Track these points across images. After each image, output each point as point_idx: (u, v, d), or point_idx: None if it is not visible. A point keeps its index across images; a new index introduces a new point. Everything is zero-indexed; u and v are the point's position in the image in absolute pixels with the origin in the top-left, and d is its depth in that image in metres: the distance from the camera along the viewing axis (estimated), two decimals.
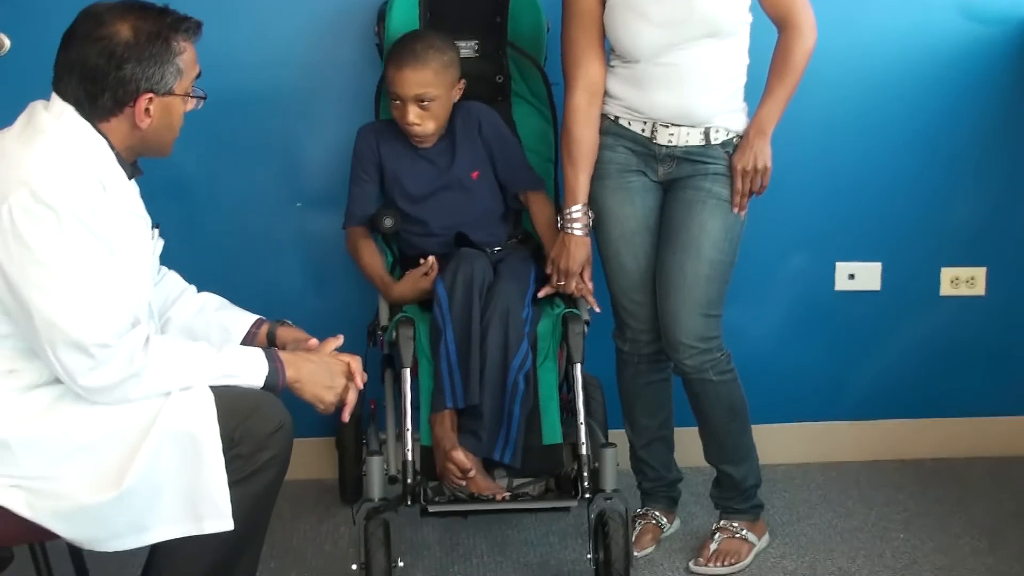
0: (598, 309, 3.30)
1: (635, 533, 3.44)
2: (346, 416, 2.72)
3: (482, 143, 3.37)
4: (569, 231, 3.24)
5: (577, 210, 3.23)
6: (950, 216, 4.01)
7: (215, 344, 2.63)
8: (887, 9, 3.84)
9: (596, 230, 3.29)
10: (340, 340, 2.80)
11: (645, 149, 3.20)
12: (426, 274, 3.21)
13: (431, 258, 3.22)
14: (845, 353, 4.05)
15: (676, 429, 3.50)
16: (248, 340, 2.82)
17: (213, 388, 2.47)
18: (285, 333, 2.86)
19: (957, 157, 3.97)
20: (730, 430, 3.33)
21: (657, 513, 3.50)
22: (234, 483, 2.46)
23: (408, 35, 3.31)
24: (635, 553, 3.31)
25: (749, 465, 3.39)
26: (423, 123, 3.25)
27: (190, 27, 2.52)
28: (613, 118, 3.22)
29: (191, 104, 2.58)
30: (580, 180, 3.22)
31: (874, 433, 4.09)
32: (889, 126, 3.93)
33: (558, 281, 3.26)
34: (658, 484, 3.51)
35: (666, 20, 3.07)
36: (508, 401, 3.07)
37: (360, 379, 2.72)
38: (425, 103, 3.23)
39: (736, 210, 3.16)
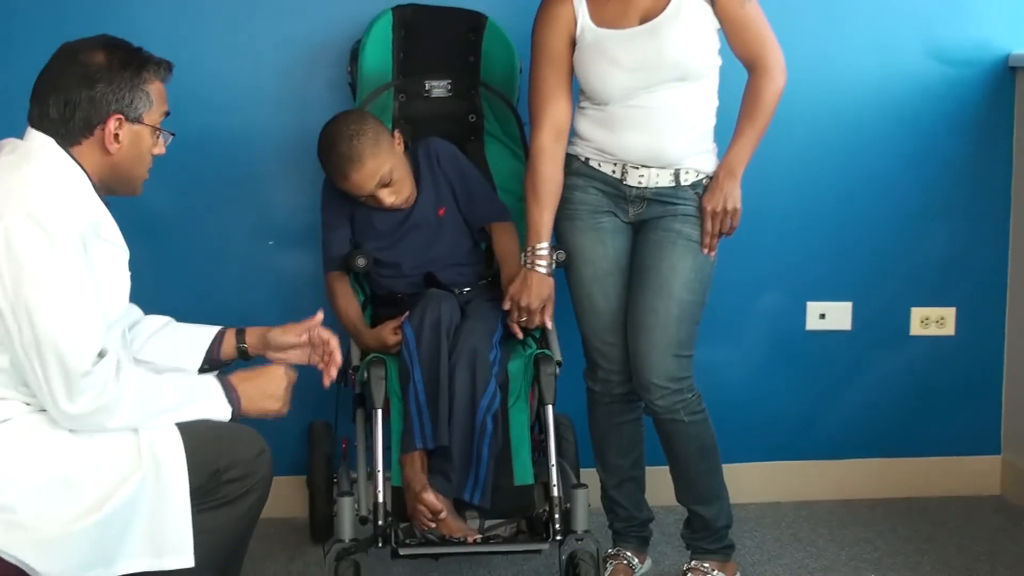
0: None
1: (607, 573, 3.42)
2: (326, 381, 2.84)
3: (444, 178, 3.38)
4: (531, 268, 3.23)
5: (542, 248, 3.22)
6: (920, 256, 4.04)
7: (184, 350, 2.80)
8: (858, 51, 3.88)
9: (567, 271, 3.29)
10: (320, 316, 2.89)
11: (615, 190, 3.21)
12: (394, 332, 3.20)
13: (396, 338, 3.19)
14: (816, 392, 4.07)
15: (648, 468, 3.49)
16: (216, 344, 2.87)
17: (191, 424, 2.53)
18: (253, 331, 2.92)
19: (927, 197, 4.01)
20: (701, 470, 3.33)
21: (629, 553, 3.48)
22: (220, 506, 2.54)
23: (327, 143, 3.25)
24: None
25: (720, 505, 3.38)
26: (399, 195, 3.27)
27: (161, 65, 2.59)
28: (583, 159, 3.24)
29: (160, 144, 2.62)
30: (544, 218, 3.22)
31: (845, 472, 4.10)
32: (859, 166, 3.96)
33: (519, 318, 3.25)
34: (629, 524, 3.49)
35: (636, 64, 3.09)
36: (476, 442, 3.06)
37: (332, 340, 2.85)
38: (388, 182, 3.24)
39: (706, 251, 3.17)
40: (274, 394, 2.71)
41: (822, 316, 4.01)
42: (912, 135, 3.96)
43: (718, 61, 3.17)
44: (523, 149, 3.53)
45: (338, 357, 2.86)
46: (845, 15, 3.88)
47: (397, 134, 3.34)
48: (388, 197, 3.25)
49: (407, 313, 3.17)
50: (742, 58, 3.17)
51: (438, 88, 3.51)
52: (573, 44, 3.17)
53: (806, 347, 4.03)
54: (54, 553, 2.41)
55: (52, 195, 2.41)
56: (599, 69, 3.13)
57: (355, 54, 3.50)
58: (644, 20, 3.11)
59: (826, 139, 3.89)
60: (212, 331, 2.89)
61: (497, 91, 3.53)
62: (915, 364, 4.09)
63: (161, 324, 2.87)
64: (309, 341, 2.88)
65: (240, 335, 2.89)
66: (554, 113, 3.20)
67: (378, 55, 3.47)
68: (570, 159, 3.25)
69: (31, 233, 2.35)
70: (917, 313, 4.06)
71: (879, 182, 3.97)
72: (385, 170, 3.22)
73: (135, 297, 2.81)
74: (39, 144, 2.50)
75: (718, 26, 3.14)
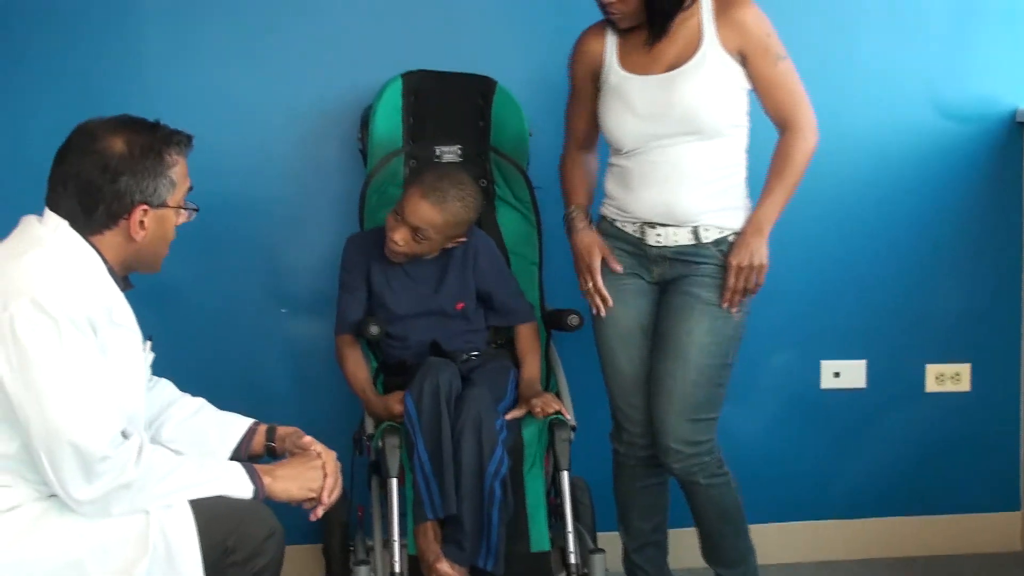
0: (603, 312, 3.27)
1: None
2: (318, 513, 2.68)
3: (475, 277, 3.38)
4: (569, 232, 3.30)
5: (572, 210, 3.30)
6: (934, 313, 4.02)
7: (213, 441, 2.73)
8: (865, 107, 3.88)
9: (594, 330, 3.30)
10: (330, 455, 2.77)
11: (638, 250, 3.20)
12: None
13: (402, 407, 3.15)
14: (832, 451, 4.04)
15: (672, 530, 3.47)
16: (247, 438, 2.81)
17: (203, 500, 2.47)
18: (283, 430, 2.85)
19: (939, 253, 4.00)
20: (723, 532, 3.30)
21: None
22: None
23: (452, 170, 3.35)
24: None
25: (745, 569, 3.34)
26: (404, 247, 3.26)
27: (181, 140, 2.55)
28: (610, 220, 3.24)
29: (183, 217, 2.59)
30: (578, 191, 3.32)
31: (864, 531, 4.06)
32: (871, 223, 3.95)
33: (585, 285, 3.26)
34: None
35: (648, 112, 3.09)
36: (486, 508, 3.04)
37: (333, 479, 2.69)
38: (419, 236, 3.23)
39: (726, 306, 3.12)
40: (309, 487, 2.66)
41: (836, 374, 4.00)
42: (921, 191, 3.95)
43: (740, 121, 3.13)
44: (534, 213, 3.55)
45: (328, 497, 2.71)
46: (850, 72, 3.88)
47: (463, 240, 3.33)
48: (401, 239, 3.23)
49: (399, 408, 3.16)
50: (773, 118, 3.14)
51: (448, 153, 3.51)
52: (598, 89, 3.20)
53: (821, 405, 4.01)
54: None
55: (57, 281, 2.37)
56: (616, 114, 3.15)
57: (365, 120, 3.51)
58: (670, 69, 3.10)
59: (834, 197, 3.88)
60: (244, 425, 2.83)
61: (507, 156, 3.53)
62: (931, 421, 4.06)
63: (193, 410, 2.82)
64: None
65: (271, 433, 2.83)
66: (578, 136, 3.31)
67: (388, 121, 3.48)
68: (600, 221, 3.28)
69: (36, 321, 2.32)
70: (932, 370, 4.04)
71: (890, 239, 3.97)
72: (431, 234, 3.23)
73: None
74: (51, 227, 2.46)
75: (747, 87, 3.12)
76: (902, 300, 3.99)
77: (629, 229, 3.21)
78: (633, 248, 3.21)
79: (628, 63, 3.15)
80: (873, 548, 4.06)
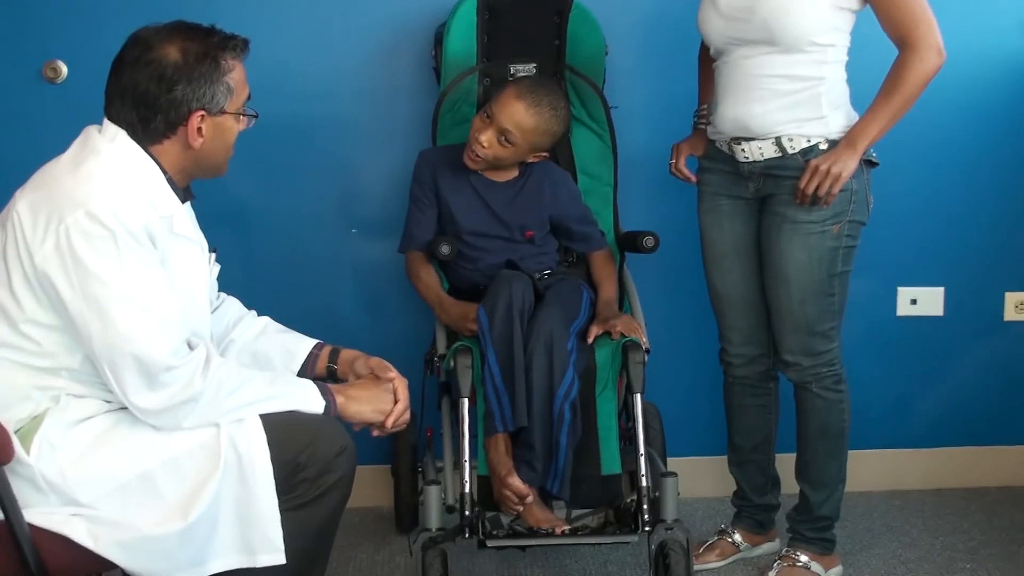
0: None
1: (705, 545, 3.44)
2: (389, 423, 2.66)
3: (550, 207, 3.36)
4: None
5: (697, 110, 3.40)
6: (1014, 240, 3.96)
7: (278, 364, 2.72)
8: (953, 35, 3.76)
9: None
10: (396, 376, 2.75)
11: (732, 168, 3.17)
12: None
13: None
14: (907, 380, 4.01)
15: (783, 455, 3.45)
16: (310, 361, 2.80)
17: (274, 415, 2.46)
18: (347, 353, 2.83)
19: (1020, 178, 3.92)
20: (817, 449, 3.27)
21: (737, 535, 3.46)
22: (300, 506, 2.48)
23: (548, 81, 3.37)
24: (695, 565, 3.28)
25: (829, 494, 3.30)
26: (489, 150, 3.21)
27: (238, 45, 2.51)
28: (711, 139, 3.24)
29: (243, 124, 2.56)
30: (704, 89, 3.36)
31: (938, 461, 4.04)
32: (951, 148, 3.89)
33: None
34: (745, 504, 3.48)
35: (730, 12, 3.04)
36: (555, 431, 3.02)
37: (404, 405, 2.69)
38: (505, 140, 3.19)
39: (798, 201, 3.04)
40: (381, 409, 2.66)
41: (913, 301, 3.96)
42: (1007, 117, 3.88)
43: (826, 40, 3.01)
44: (610, 133, 3.50)
45: (392, 422, 2.69)
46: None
47: (545, 155, 3.32)
48: (487, 140, 3.19)
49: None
50: (890, 36, 3.01)
51: (523, 72, 3.47)
52: None
53: (897, 333, 3.97)
54: (141, 554, 2.37)
55: (113, 191, 2.34)
56: (704, 9, 3.13)
57: (439, 38, 3.48)
58: None
59: (918, 121, 3.71)
60: (307, 347, 2.82)
61: (583, 74, 3.48)
62: (1010, 350, 4.01)
63: (257, 331, 2.82)
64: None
65: (334, 355, 2.82)
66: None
67: (462, 39, 3.44)
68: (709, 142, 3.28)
69: (93, 232, 2.29)
70: (1012, 298, 3.99)
71: (970, 163, 3.90)
72: (519, 138, 3.19)
73: (221, 282, 2.80)
74: (108, 137, 2.44)
75: (852, 6, 3.01)
76: (982, 226, 3.94)
77: (722, 147, 3.18)
78: (728, 167, 3.19)
79: None
80: (947, 478, 4.04)
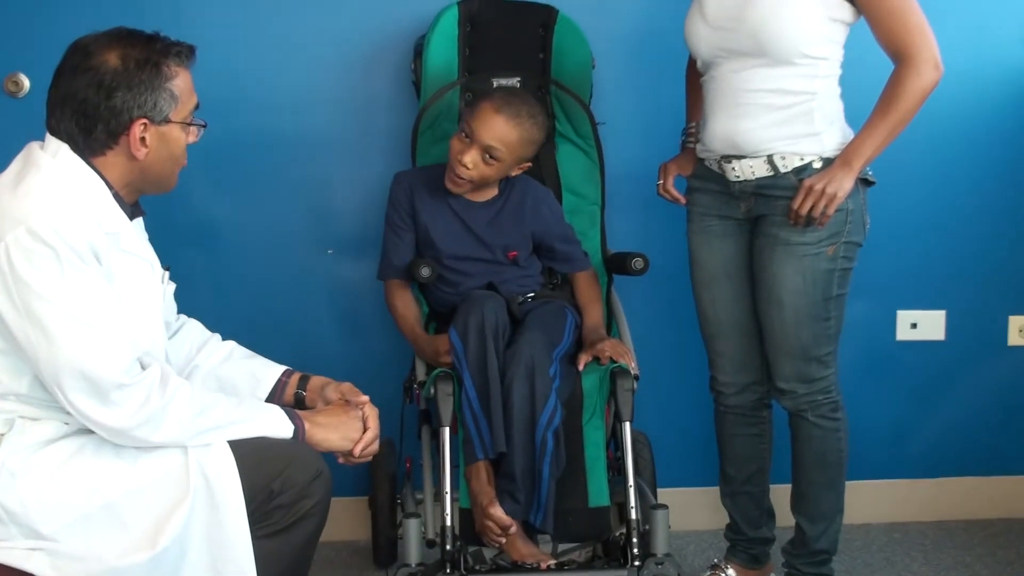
0: None
1: None
2: (357, 451, 2.60)
3: (532, 225, 3.28)
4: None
5: (687, 127, 3.32)
6: (1018, 261, 3.92)
7: (244, 391, 2.68)
8: (950, 48, 3.67)
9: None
10: (366, 399, 2.71)
11: (723, 187, 3.09)
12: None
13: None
14: (907, 406, 3.95)
15: (778, 486, 3.37)
16: (278, 388, 2.75)
17: (246, 441, 2.42)
18: (316, 380, 2.78)
19: (1022, 200, 3.87)
20: (813, 480, 3.19)
21: (730, 570, 3.36)
22: (275, 534, 2.44)
23: (521, 92, 3.29)
24: None
25: (826, 526, 3.22)
26: (474, 171, 3.13)
27: (182, 51, 2.45)
28: (700, 158, 3.16)
29: (192, 134, 2.51)
30: (692, 107, 3.28)
31: (940, 491, 3.98)
32: (951, 165, 3.84)
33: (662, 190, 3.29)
34: (739, 537, 3.39)
35: (717, 20, 2.97)
36: (537, 461, 2.96)
37: (373, 433, 2.64)
38: (490, 157, 3.11)
39: (792, 222, 2.96)
40: (346, 433, 2.60)
41: (913, 325, 3.90)
42: (1008, 138, 3.82)
43: (818, 52, 2.93)
44: (597, 150, 3.44)
45: (360, 451, 2.63)
46: (939, 11, 3.67)
47: (528, 165, 3.23)
48: (471, 160, 3.10)
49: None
50: (886, 49, 2.94)
51: (506, 86, 3.38)
52: None
53: (897, 359, 3.92)
54: None
55: (54, 207, 2.29)
56: (691, 18, 3.06)
57: (419, 51, 3.41)
58: None
59: (920, 139, 3.69)
60: (275, 374, 2.76)
61: (569, 89, 3.41)
62: (1014, 376, 3.96)
63: (223, 357, 2.76)
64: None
65: (303, 383, 2.76)
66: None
67: (443, 52, 3.37)
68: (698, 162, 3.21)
69: (34, 250, 2.25)
70: (1016, 322, 3.93)
71: (971, 181, 3.84)
72: (503, 153, 3.10)
73: (189, 305, 2.75)
74: (51, 151, 2.39)
75: (845, 18, 2.93)
76: (985, 247, 3.89)
77: (712, 166, 3.10)
78: (718, 186, 3.11)
79: None
80: (948, 509, 3.98)
